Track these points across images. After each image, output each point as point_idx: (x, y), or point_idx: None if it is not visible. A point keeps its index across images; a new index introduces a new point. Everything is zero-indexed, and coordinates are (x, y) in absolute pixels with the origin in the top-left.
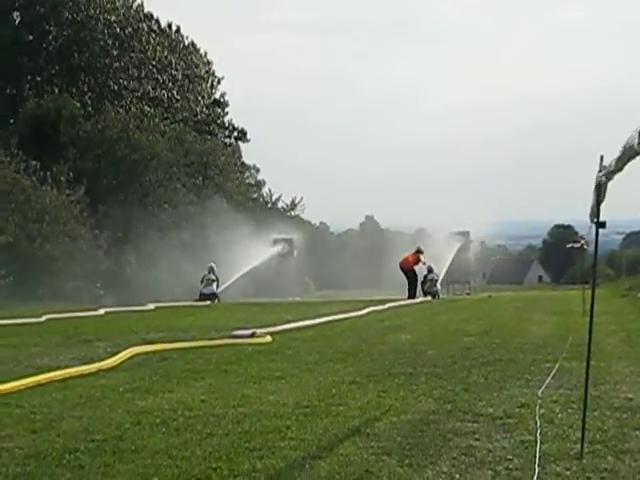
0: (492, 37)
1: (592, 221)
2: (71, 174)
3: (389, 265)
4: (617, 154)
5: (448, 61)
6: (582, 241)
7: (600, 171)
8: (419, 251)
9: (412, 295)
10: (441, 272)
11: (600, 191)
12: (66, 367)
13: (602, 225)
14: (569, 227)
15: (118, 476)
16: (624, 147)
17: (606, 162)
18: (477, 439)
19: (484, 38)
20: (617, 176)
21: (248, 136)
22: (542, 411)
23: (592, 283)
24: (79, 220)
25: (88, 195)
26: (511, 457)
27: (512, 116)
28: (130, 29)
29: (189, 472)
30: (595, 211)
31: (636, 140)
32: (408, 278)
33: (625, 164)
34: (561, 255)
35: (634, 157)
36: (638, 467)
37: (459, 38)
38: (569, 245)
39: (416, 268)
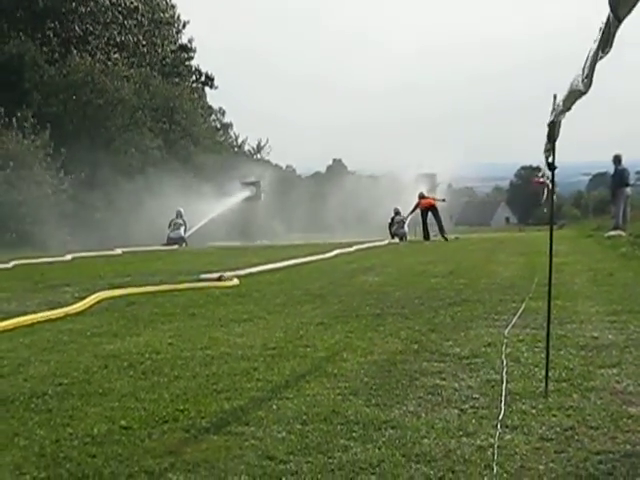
0: None
1: (546, 160)
2: (36, 119)
3: (358, 208)
4: (564, 93)
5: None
6: (543, 178)
7: (553, 111)
8: (422, 196)
9: (442, 231)
10: (407, 214)
11: (552, 131)
12: (33, 312)
13: (552, 167)
14: (536, 168)
15: (85, 419)
16: (570, 87)
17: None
18: (443, 379)
19: None
20: (576, 117)
21: (215, 82)
22: (508, 350)
23: (550, 222)
24: (44, 165)
25: (53, 140)
26: (477, 396)
27: (480, 59)
28: None
29: (156, 414)
30: (548, 150)
31: (580, 79)
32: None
33: (572, 104)
34: (528, 196)
35: (579, 97)
36: (603, 404)
37: None
38: (532, 178)
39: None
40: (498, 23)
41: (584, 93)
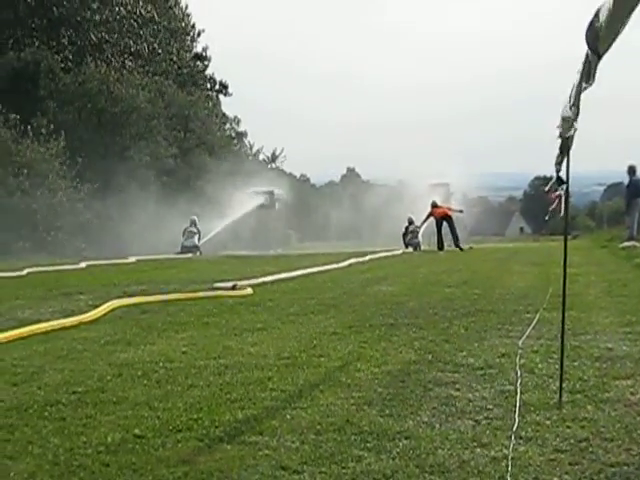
0: None
1: (557, 172)
2: (51, 127)
3: (371, 217)
4: (567, 101)
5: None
6: (558, 191)
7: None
8: (435, 205)
9: (457, 241)
10: (420, 224)
11: (562, 144)
12: (47, 320)
13: (562, 182)
14: (550, 179)
15: (99, 427)
16: (561, 114)
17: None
18: (457, 389)
19: None
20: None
21: (229, 89)
22: (522, 361)
23: (564, 233)
24: (59, 173)
25: (68, 148)
26: (491, 407)
27: (500, 59)
28: None
29: (170, 423)
30: (559, 163)
31: (568, 107)
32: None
33: (570, 128)
34: (542, 206)
35: (572, 123)
36: (617, 416)
37: None
38: (546, 188)
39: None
40: (517, 22)
41: (575, 120)
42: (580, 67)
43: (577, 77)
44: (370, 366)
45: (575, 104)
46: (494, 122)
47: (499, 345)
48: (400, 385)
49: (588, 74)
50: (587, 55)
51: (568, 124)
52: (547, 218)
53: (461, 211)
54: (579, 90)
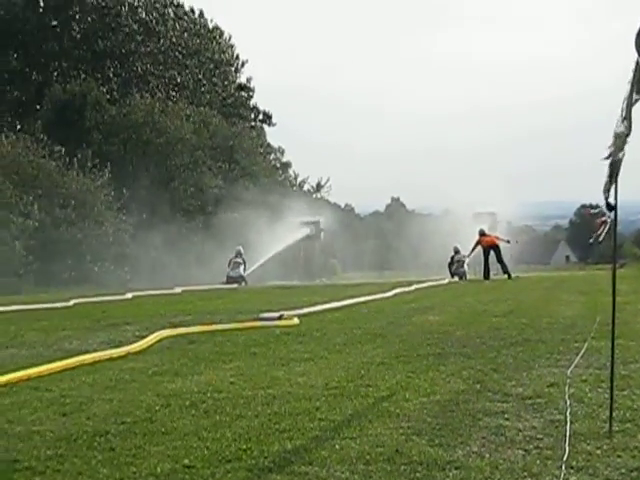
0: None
1: (606, 200)
2: (96, 158)
3: (416, 247)
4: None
5: (477, 27)
6: (604, 217)
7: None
8: (483, 234)
9: (506, 269)
10: (468, 253)
11: (612, 169)
12: (95, 351)
13: (611, 208)
14: (596, 207)
15: (149, 458)
16: (614, 131)
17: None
18: (507, 419)
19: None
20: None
21: (273, 119)
22: (571, 390)
23: (613, 263)
24: (105, 204)
25: (114, 179)
26: (541, 436)
27: (544, 85)
28: (156, 14)
29: (220, 453)
30: (607, 190)
31: (620, 121)
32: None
33: (623, 145)
34: (588, 235)
35: (625, 139)
36: None
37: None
38: (592, 211)
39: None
40: (564, 48)
41: (627, 135)
42: (630, 77)
43: (628, 88)
44: (418, 396)
45: (627, 117)
46: (540, 149)
47: (548, 374)
48: (449, 415)
49: (639, 84)
50: (637, 63)
51: (621, 141)
52: (591, 241)
53: (508, 241)
54: (630, 102)
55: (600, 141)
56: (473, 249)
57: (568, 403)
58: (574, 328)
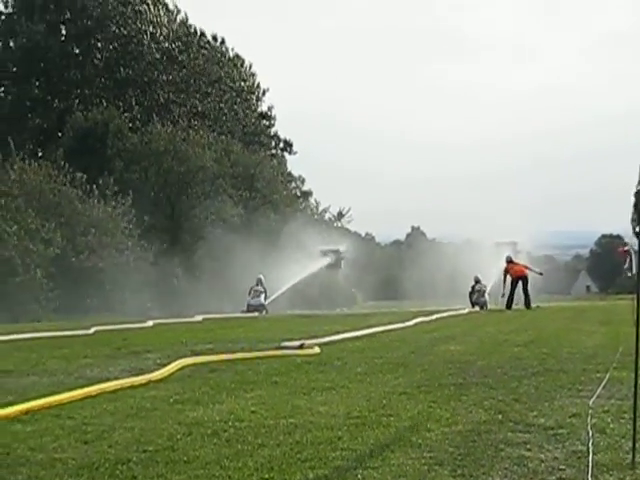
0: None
1: (633, 230)
2: (117, 186)
3: (437, 276)
4: None
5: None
6: (627, 247)
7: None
8: (510, 261)
9: (528, 300)
10: (489, 283)
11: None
12: (116, 378)
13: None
14: (617, 237)
15: None
16: None
17: None
18: (529, 449)
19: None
20: None
21: (294, 147)
22: (594, 421)
23: (637, 293)
24: (126, 232)
25: (135, 207)
26: (563, 467)
27: (561, 113)
28: (179, 43)
29: None
30: (635, 219)
31: None
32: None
33: None
34: (609, 265)
35: None
36: None
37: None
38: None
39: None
40: (581, 74)
41: None
42: None
43: None
44: (440, 426)
45: None
46: (561, 177)
47: (569, 405)
48: (471, 445)
49: None
50: None
51: None
52: (630, 275)
53: (541, 273)
54: None
55: (619, 170)
56: (504, 279)
57: (590, 434)
58: (595, 358)
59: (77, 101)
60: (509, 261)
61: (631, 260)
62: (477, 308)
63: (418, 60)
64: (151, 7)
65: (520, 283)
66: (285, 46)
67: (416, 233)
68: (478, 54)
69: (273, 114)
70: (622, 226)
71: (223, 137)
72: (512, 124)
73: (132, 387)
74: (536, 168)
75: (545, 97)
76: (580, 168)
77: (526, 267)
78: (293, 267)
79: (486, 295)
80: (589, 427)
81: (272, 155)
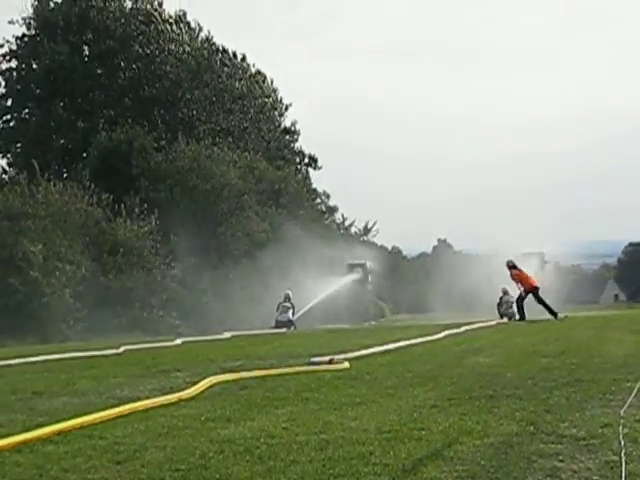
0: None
1: None
2: (143, 205)
3: (464, 288)
4: None
5: (512, 78)
6: None
7: None
8: (513, 266)
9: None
10: (516, 294)
11: None
12: (146, 398)
13: None
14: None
15: None
16: None
17: None
18: (561, 460)
19: (563, 56)
20: None
21: (319, 163)
22: (626, 431)
23: None
24: (152, 251)
25: (161, 226)
26: (597, 478)
27: (589, 128)
28: (202, 60)
29: None
30: None
31: None
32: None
33: None
34: (637, 273)
35: None
36: None
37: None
38: None
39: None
40: (613, 90)
41: None
42: None
43: None
44: (472, 439)
45: None
46: (587, 189)
47: (601, 415)
48: (503, 457)
49: None
50: None
51: None
52: None
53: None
54: None
55: None
56: (523, 288)
57: (622, 444)
58: (626, 367)
59: (102, 121)
60: (512, 266)
61: None
62: (505, 319)
63: (450, 73)
64: (173, 26)
65: (531, 294)
66: (311, 62)
67: (442, 245)
68: (510, 68)
69: (297, 129)
70: None
71: (247, 153)
72: (539, 144)
73: (163, 406)
74: (562, 181)
75: (570, 113)
76: (608, 180)
77: (530, 278)
78: (320, 282)
79: (514, 306)
80: (621, 437)
81: (297, 170)
